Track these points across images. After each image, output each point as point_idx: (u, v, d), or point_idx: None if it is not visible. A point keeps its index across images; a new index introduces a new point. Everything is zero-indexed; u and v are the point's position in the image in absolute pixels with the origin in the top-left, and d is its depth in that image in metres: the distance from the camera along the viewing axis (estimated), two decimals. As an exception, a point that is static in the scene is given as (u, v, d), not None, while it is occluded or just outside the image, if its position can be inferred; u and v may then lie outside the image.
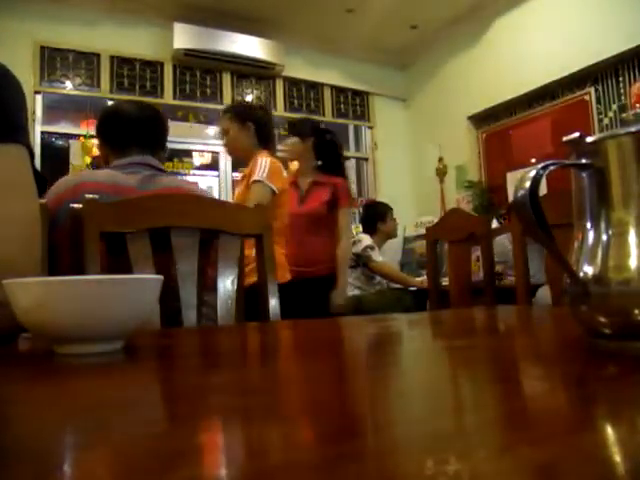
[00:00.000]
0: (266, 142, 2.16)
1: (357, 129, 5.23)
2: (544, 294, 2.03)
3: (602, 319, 0.39)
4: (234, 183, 4.14)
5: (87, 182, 1.16)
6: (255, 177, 1.93)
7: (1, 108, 0.69)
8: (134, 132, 1.27)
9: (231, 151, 2.23)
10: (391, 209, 3.40)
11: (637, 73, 3.42)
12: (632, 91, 3.44)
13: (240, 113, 2.14)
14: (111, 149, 1.30)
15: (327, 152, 2.58)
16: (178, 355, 0.56)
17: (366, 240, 3.14)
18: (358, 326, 0.84)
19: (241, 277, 1.14)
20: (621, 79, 3.52)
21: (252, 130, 2.11)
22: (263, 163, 1.98)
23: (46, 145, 3.85)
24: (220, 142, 2.26)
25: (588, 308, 0.40)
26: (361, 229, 3.53)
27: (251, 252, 1.52)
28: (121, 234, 1.00)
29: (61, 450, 0.22)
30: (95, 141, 3.98)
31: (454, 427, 0.24)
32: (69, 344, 0.49)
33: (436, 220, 3.29)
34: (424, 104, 5.08)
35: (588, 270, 0.40)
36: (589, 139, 0.41)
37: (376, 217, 3.35)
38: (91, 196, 1.03)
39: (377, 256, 3.11)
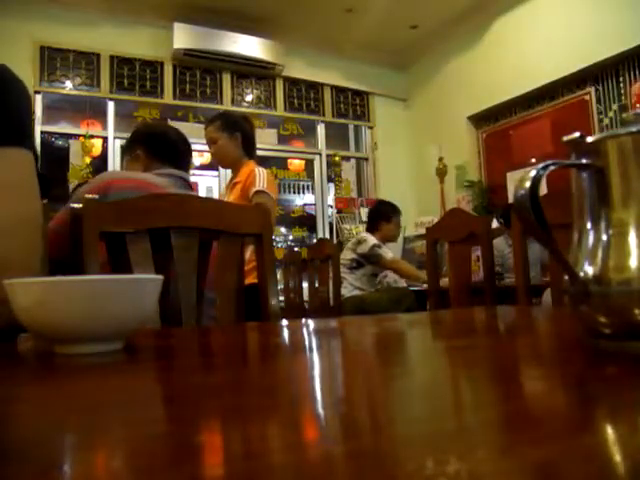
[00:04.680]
0: (251, 152, 2.26)
1: (357, 129, 5.23)
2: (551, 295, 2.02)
3: (602, 319, 0.39)
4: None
5: (137, 179, 1.26)
6: (257, 188, 2.02)
7: (7, 113, 0.70)
8: (176, 152, 1.48)
9: (219, 160, 2.30)
10: (399, 213, 3.31)
11: (637, 73, 3.42)
12: (632, 91, 3.44)
13: (229, 123, 2.21)
14: (154, 157, 1.46)
15: None
16: (178, 355, 0.56)
17: (371, 239, 3.09)
18: (359, 326, 0.84)
19: (241, 277, 1.14)
20: (621, 79, 3.52)
21: (239, 140, 2.20)
22: (261, 174, 2.08)
23: (46, 145, 3.85)
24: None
25: (588, 308, 0.40)
26: (362, 228, 3.51)
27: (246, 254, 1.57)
28: (121, 234, 1.00)
29: (61, 450, 0.22)
30: (94, 141, 3.99)
31: (454, 427, 0.24)
32: (69, 344, 0.49)
33: (436, 220, 3.29)
34: (424, 104, 5.08)
35: (588, 270, 0.40)
36: (589, 139, 0.41)
37: (381, 216, 3.26)
38: (91, 196, 1.03)
39: (387, 253, 3.07)
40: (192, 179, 1.50)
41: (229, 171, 2.50)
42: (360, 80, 5.03)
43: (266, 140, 4.57)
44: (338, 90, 4.99)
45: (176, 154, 1.48)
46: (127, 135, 1.60)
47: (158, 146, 1.47)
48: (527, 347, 0.51)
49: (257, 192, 2.01)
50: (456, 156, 4.65)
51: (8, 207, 0.68)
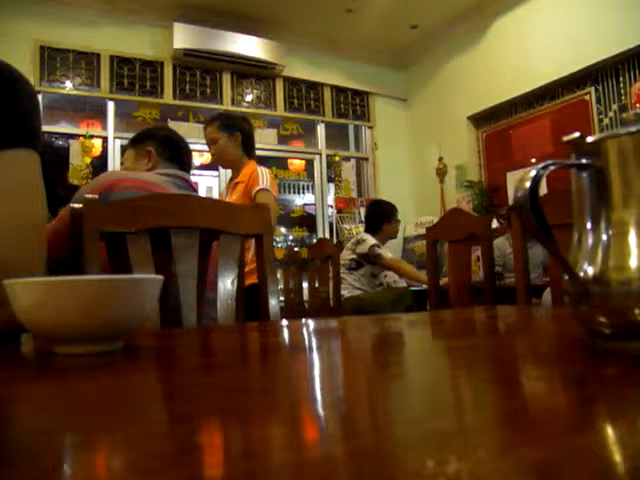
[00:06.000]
0: (251, 152, 2.27)
1: (357, 129, 5.23)
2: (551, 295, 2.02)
3: (602, 319, 0.39)
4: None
5: (139, 179, 1.27)
6: (260, 186, 2.05)
7: (13, 113, 0.70)
8: (183, 154, 1.53)
9: (220, 159, 2.31)
10: (397, 210, 3.33)
11: (637, 73, 3.42)
12: (632, 91, 3.44)
13: (228, 123, 2.23)
14: (163, 158, 1.49)
15: None
16: (178, 355, 0.56)
17: (371, 239, 3.09)
18: (359, 326, 0.84)
19: (241, 277, 1.14)
20: (621, 79, 3.52)
21: (239, 140, 2.21)
22: (264, 173, 2.11)
23: (46, 145, 3.85)
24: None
25: (588, 308, 0.40)
26: (362, 228, 3.50)
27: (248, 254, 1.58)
28: (121, 234, 1.00)
29: (61, 450, 0.22)
30: (94, 141, 3.99)
31: (454, 427, 0.24)
32: (69, 344, 0.49)
33: (436, 220, 3.28)
34: (424, 104, 5.08)
35: (588, 270, 0.40)
36: (589, 139, 0.41)
37: (382, 216, 3.26)
38: (91, 196, 1.03)
39: (387, 253, 3.07)
40: (192, 179, 1.51)
41: (229, 171, 2.51)
42: (360, 80, 5.03)
43: (266, 140, 4.58)
44: (338, 90, 4.99)
45: (182, 155, 1.52)
46: (127, 135, 1.62)
47: (169, 146, 1.50)
48: (527, 347, 0.51)
49: (260, 190, 2.04)
50: (456, 156, 4.65)
51: (13, 209, 0.68)
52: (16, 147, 0.70)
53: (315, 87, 4.89)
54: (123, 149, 1.76)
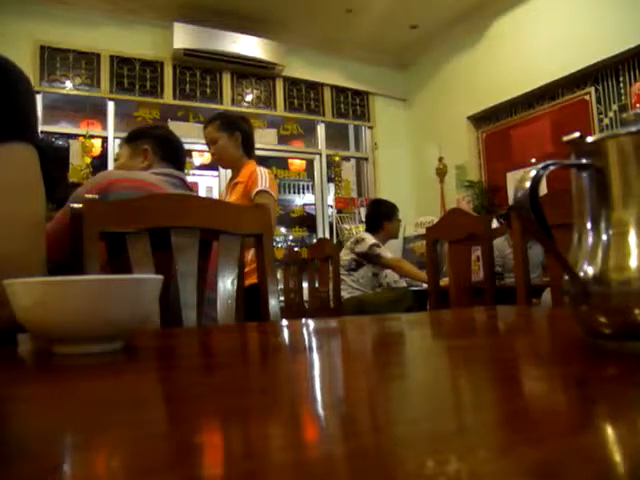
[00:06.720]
0: (251, 152, 2.27)
1: (357, 129, 5.23)
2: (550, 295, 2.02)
3: (602, 319, 0.39)
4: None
5: (137, 179, 1.27)
6: (260, 187, 2.04)
7: (11, 107, 0.69)
8: (178, 153, 1.53)
9: (220, 159, 2.31)
10: (398, 209, 3.33)
11: (637, 73, 3.42)
12: (632, 91, 3.43)
13: (228, 123, 2.23)
14: (159, 157, 1.50)
15: None
16: (178, 355, 0.56)
17: (370, 238, 3.08)
18: (358, 326, 0.84)
19: (241, 277, 1.14)
20: (621, 79, 3.52)
21: (239, 140, 2.21)
22: (263, 174, 2.10)
23: (47, 144, 3.84)
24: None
25: (588, 308, 0.40)
26: (362, 228, 3.50)
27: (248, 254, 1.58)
28: (121, 234, 1.00)
29: (61, 450, 0.22)
30: (94, 141, 3.98)
31: (454, 427, 0.24)
32: (69, 344, 0.49)
33: (436, 220, 3.28)
34: (424, 104, 5.08)
35: (588, 270, 0.40)
36: (589, 139, 0.41)
37: (382, 215, 3.25)
38: (91, 196, 1.03)
39: (386, 252, 3.06)
40: (192, 179, 1.52)
41: (229, 171, 2.51)
42: (360, 80, 5.02)
43: (266, 140, 4.58)
44: (338, 90, 4.99)
45: (178, 155, 1.52)
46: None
47: (165, 145, 1.50)
48: (527, 347, 0.51)
49: (259, 192, 2.03)
50: (456, 156, 4.65)
51: (11, 206, 0.67)
52: (11, 140, 0.68)
53: (315, 87, 4.89)
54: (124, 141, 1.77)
